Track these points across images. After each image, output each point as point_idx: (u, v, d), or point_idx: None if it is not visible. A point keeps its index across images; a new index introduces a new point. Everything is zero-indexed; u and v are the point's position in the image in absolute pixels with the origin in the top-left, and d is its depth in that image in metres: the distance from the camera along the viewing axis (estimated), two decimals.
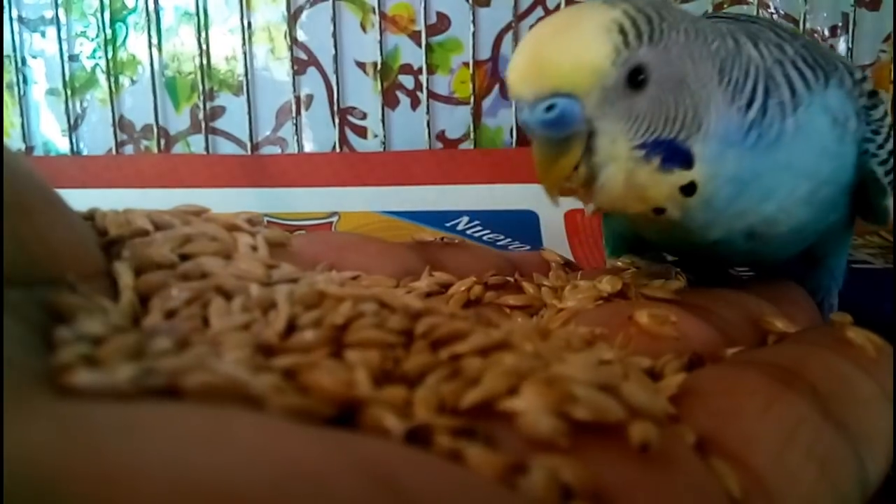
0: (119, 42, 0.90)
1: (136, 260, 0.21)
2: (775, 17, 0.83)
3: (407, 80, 0.88)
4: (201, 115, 0.89)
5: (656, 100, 0.29)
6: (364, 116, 0.89)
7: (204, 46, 0.88)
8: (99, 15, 0.88)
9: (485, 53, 0.87)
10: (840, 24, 0.82)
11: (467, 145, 0.88)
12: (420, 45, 0.87)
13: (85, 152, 0.91)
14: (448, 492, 0.14)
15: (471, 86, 0.87)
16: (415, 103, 0.88)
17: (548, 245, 0.66)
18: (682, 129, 0.29)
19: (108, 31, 0.89)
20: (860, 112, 0.34)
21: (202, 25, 0.88)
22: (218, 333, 0.18)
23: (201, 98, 0.88)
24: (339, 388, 0.17)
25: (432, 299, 0.29)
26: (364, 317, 0.20)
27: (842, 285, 0.42)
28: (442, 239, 0.35)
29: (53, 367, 0.15)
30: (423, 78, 0.87)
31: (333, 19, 0.86)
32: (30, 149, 0.91)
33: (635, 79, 0.28)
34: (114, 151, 0.90)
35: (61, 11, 0.89)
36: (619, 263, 0.35)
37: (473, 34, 0.86)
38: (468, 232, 0.74)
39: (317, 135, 0.89)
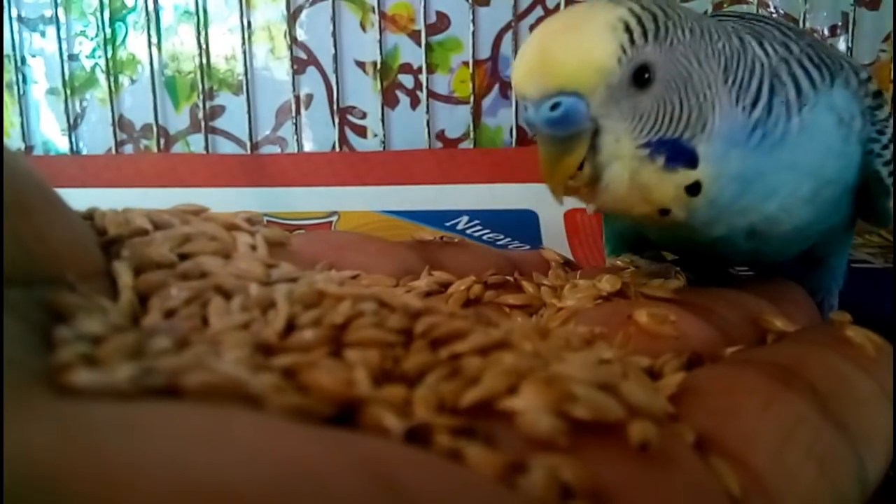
0: (119, 41, 0.90)
1: (135, 259, 0.21)
2: (775, 16, 0.83)
3: (407, 80, 0.88)
4: (201, 115, 0.89)
5: (661, 99, 0.29)
6: (364, 116, 0.89)
7: (203, 46, 0.88)
8: (98, 14, 0.88)
9: (484, 53, 0.87)
10: (840, 23, 0.82)
11: (467, 145, 0.88)
12: (420, 45, 0.87)
13: (84, 152, 0.91)
14: (448, 491, 0.14)
15: (470, 85, 0.87)
16: (414, 103, 0.88)
17: (548, 245, 0.66)
18: (687, 128, 0.29)
19: (108, 31, 0.89)
20: (865, 112, 0.34)
21: (202, 25, 0.88)
22: (217, 333, 0.18)
23: (201, 97, 0.88)
24: (338, 387, 0.17)
25: (432, 298, 0.29)
26: (363, 316, 0.20)
27: (842, 286, 0.42)
28: (441, 238, 0.35)
29: (53, 366, 0.15)
30: (423, 77, 0.87)
31: (333, 19, 0.86)
32: (29, 148, 0.91)
33: (640, 77, 0.28)
34: (113, 151, 0.90)
35: (61, 11, 0.89)
36: (619, 262, 0.35)
37: (473, 33, 0.86)
38: (468, 232, 0.74)
39: (316, 134, 0.89)
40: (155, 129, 0.89)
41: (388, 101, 0.88)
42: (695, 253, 0.38)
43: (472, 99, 0.87)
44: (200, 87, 0.88)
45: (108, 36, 0.89)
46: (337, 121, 0.88)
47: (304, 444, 0.14)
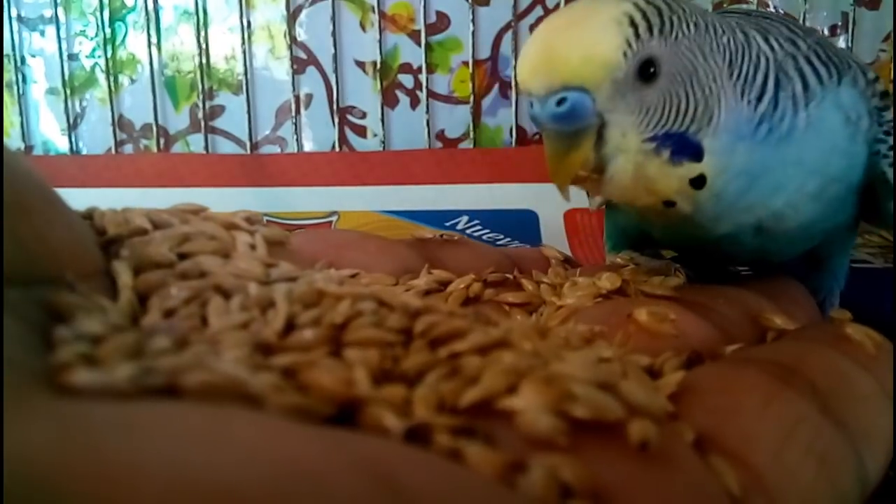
0: (118, 41, 0.90)
1: (134, 259, 0.21)
2: None
3: (406, 80, 0.88)
4: (201, 115, 0.89)
5: (667, 93, 0.29)
6: (363, 116, 0.89)
7: (203, 45, 0.88)
8: (98, 14, 0.88)
9: (484, 53, 0.87)
10: (840, 23, 0.82)
11: (467, 145, 0.88)
12: (419, 45, 0.87)
13: (84, 151, 0.91)
14: (447, 490, 0.14)
15: (470, 85, 0.87)
16: (414, 102, 0.88)
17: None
18: (693, 122, 0.29)
19: (108, 31, 0.89)
20: (872, 112, 0.34)
21: (201, 24, 0.88)
22: (217, 332, 0.18)
23: (201, 97, 0.88)
24: (338, 386, 0.17)
25: (431, 297, 0.29)
26: (363, 315, 0.19)
27: (843, 286, 0.42)
28: (441, 236, 0.35)
29: (52, 366, 0.15)
30: (423, 77, 0.87)
31: (333, 18, 0.86)
32: (29, 148, 0.91)
33: (646, 72, 0.28)
34: (113, 151, 0.90)
35: (60, 10, 0.89)
36: (619, 260, 0.35)
37: (473, 33, 0.86)
38: (468, 231, 0.74)
39: (316, 134, 0.89)
40: (155, 128, 0.89)
41: (388, 100, 0.88)
42: (700, 251, 0.38)
43: (471, 99, 0.87)
44: (200, 86, 0.88)
45: (108, 36, 0.89)
46: (337, 121, 0.88)
47: (304, 444, 0.14)
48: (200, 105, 0.89)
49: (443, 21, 0.87)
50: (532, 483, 0.15)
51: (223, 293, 0.21)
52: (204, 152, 0.89)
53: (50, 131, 0.92)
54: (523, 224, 0.74)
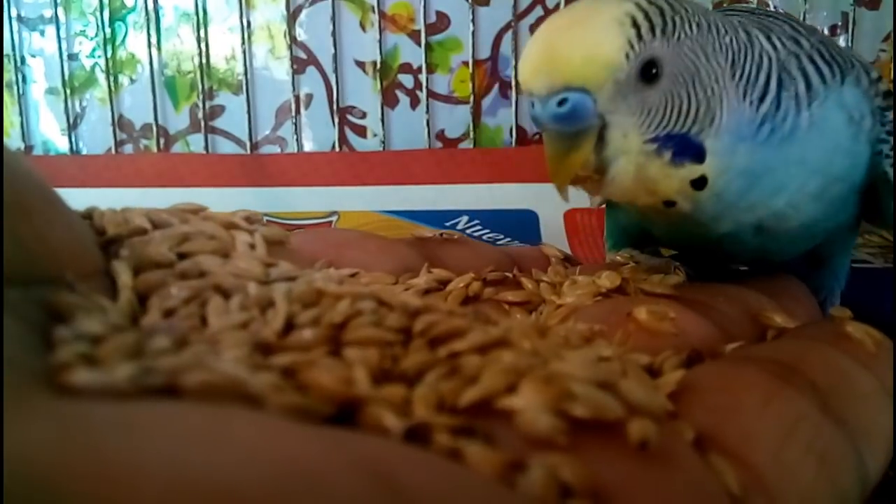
0: (118, 41, 0.90)
1: (134, 259, 0.21)
2: None
3: (406, 80, 0.88)
4: (201, 115, 0.89)
5: (669, 93, 0.29)
6: (363, 116, 0.89)
7: (203, 46, 0.88)
8: (98, 14, 0.88)
9: (484, 53, 0.87)
10: (840, 23, 0.82)
11: (467, 144, 0.88)
12: (419, 45, 0.87)
13: (84, 151, 0.91)
14: (447, 490, 0.14)
15: (470, 85, 0.87)
16: (414, 102, 0.88)
17: None
18: (695, 123, 0.29)
19: (108, 31, 0.89)
20: (875, 112, 0.33)
21: (201, 24, 0.88)
22: (216, 332, 0.18)
23: (201, 97, 0.88)
24: (338, 386, 0.17)
25: (430, 296, 0.29)
26: (362, 315, 0.19)
27: (844, 286, 0.42)
28: (441, 235, 0.35)
29: (52, 366, 0.15)
30: (423, 77, 0.87)
31: (333, 18, 0.86)
32: (29, 148, 0.91)
33: (648, 72, 0.28)
34: (113, 151, 0.90)
35: (60, 10, 0.89)
36: (619, 258, 0.35)
37: (473, 33, 0.86)
38: (468, 231, 0.74)
39: (316, 134, 0.89)
40: (155, 128, 0.89)
41: (388, 100, 0.88)
42: (701, 250, 0.38)
43: (471, 99, 0.87)
44: (200, 86, 0.88)
45: (108, 36, 0.89)
46: (337, 121, 0.88)
47: (304, 444, 0.14)
48: (200, 105, 0.89)
49: (443, 21, 0.87)
50: (532, 482, 0.15)
51: (223, 293, 0.21)
52: (204, 152, 0.89)
53: (50, 131, 0.92)
54: (523, 224, 0.74)
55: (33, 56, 0.91)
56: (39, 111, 0.92)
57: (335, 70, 0.87)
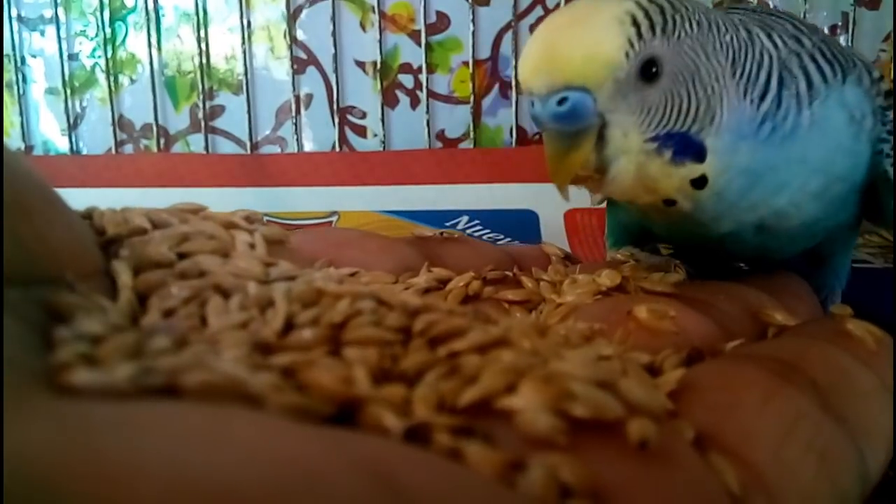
0: (118, 41, 0.90)
1: (134, 259, 0.21)
2: None
3: (406, 80, 0.88)
4: (201, 115, 0.89)
5: (669, 92, 0.29)
6: (364, 116, 0.89)
7: (203, 46, 0.88)
8: (98, 14, 0.88)
9: (484, 53, 0.87)
10: (840, 23, 0.82)
11: (467, 145, 0.88)
12: (420, 45, 0.86)
13: (84, 151, 0.91)
14: (447, 490, 0.14)
15: (470, 85, 0.87)
16: (414, 102, 0.88)
17: None
18: (695, 121, 0.29)
19: (108, 31, 0.89)
20: (877, 111, 0.33)
21: (201, 24, 0.88)
22: (216, 332, 0.18)
23: (201, 97, 0.88)
24: (337, 386, 0.17)
25: (430, 295, 0.29)
26: (362, 314, 0.19)
27: (845, 285, 0.42)
28: (441, 234, 0.35)
29: (52, 366, 0.15)
30: (423, 77, 0.87)
31: (333, 18, 0.86)
32: (29, 148, 0.91)
33: (648, 71, 0.28)
34: (113, 151, 0.90)
35: (61, 10, 0.89)
36: (619, 256, 0.35)
37: (473, 33, 0.86)
38: (468, 231, 0.74)
39: (316, 134, 0.89)
40: (155, 128, 0.89)
41: (388, 100, 0.88)
42: (702, 248, 0.38)
43: (472, 99, 0.87)
44: (200, 87, 0.88)
45: (108, 36, 0.89)
46: (337, 121, 0.88)
47: (304, 444, 0.14)
48: (200, 105, 0.89)
49: (443, 21, 0.87)
50: (531, 482, 0.15)
51: (222, 293, 0.21)
52: (204, 152, 0.89)
53: (50, 131, 0.92)
54: (523, 224, 0.74)
55: (33, 56, 0.91)
56: (39, 111, 0.92)
57: (335, 70, 0.87)
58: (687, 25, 0.29)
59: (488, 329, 0.20)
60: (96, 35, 0.89)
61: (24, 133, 0.91)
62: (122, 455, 0.12)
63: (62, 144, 0.91)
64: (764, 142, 0.30)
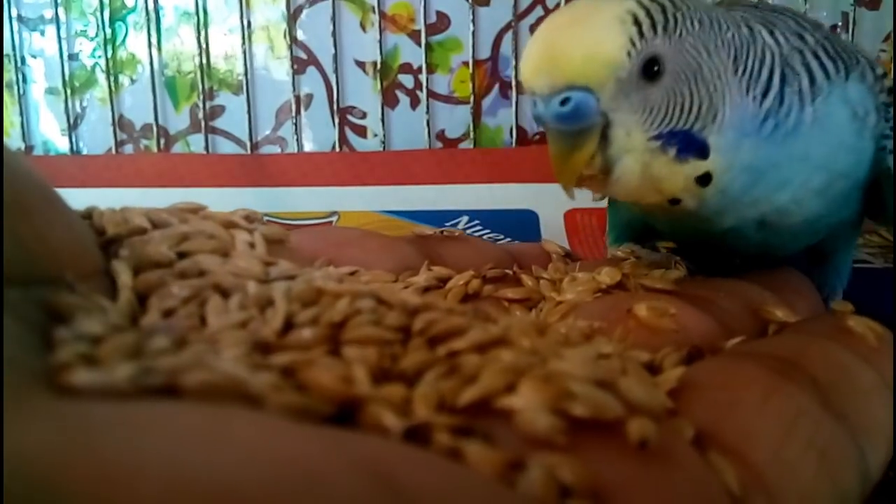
0: (119, 41, 0.90)
1: (134, 258, 0.21)
2: None
3: (407, 80, 0.88)
4: (201, 115, 0.89)
5: (671, 91, 0.29)
6: (364, 116, 0.89)
7: (203, 46, 0.88)
8: (98, 14, 0.88)
9: (484, 53, 0.87)
10: (840, 23, 0.82)
11: (467, 145, 0.88)
12: (420, 45, 0.86)
13: (84, 151, 0.91)
14: (447, 490, 0.14)
15: (470, 85, 0.87)
16: (414, 103, 0.88)
17: None
18: (698, 119, 0.29)
19: (108, 31, 0.89)
20: (880, 108, 0.33)
21: (202, 25, 0.88)
22: (215, 332, 0.18)
23: (201, 97, 0.88)
24: (337, 385, 0.17)
25: (430, 294, 0.29)
26: (361, 314, 0.19)
27: (846, 285, 0.42)
28: (442, 232, 0.35)
29: (52, 366, 0.15)
30: (423, 77, 0.87)
31: (333, 18, 0.86)
32: (29, 148, 0.91)
33: (650, 70, 0.28)
34: (113, 151, 0.90)
35: (61, 10, 0.89)
36: (619, 253, 0.35)
37: (473, 33, 0.86)
38: (468, 231, 0.74)
39: (316, 134, 0.89)
40: (155, 128, 0.89)
41: (388, 101, 0.88)
42: (704, 244, 0.38)
43: (472, 99, 0.87)
44: (200, 87, 0.88)
45: (108, 36, 0.89)
46: (337, 121, 0.88)
47: (304, 443, 0.14)
48: (200, 105, 0.89)
49: (443, 21, 0.87)
50: (531, 482, 0.15)
51: (222, 292, 0.21)
52: (204, 152, 0.89)
53: (50, 131, 0.92)
54: (523, 224, 0.74)
55: (33, 56, 0.91)
56: (39, 111, 0.92)
57: (335, 70, 0.87)
58: (688, 23, 0.29)
59: (488, 328, 0.20)
60: (96, 35, 0.89)
61: (24, 133, 0.91)
62: (122, 455, 0.12)
63: (62, 144, 0.91)
64: (766, 139, 0.30)
